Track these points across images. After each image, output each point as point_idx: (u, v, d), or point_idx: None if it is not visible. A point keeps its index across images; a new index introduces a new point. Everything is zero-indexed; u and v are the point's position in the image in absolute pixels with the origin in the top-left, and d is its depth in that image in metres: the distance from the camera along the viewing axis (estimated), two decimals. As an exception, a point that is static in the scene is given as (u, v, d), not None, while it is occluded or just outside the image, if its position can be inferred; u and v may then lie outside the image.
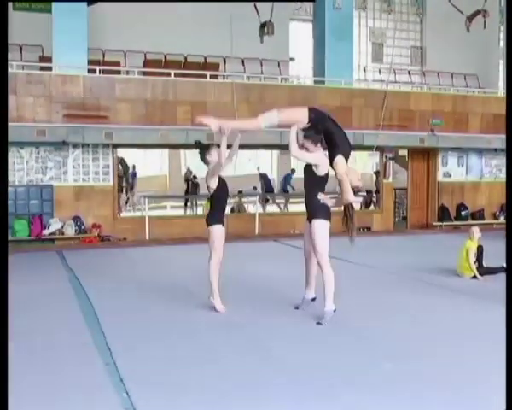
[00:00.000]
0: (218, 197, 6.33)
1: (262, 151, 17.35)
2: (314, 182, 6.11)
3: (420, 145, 15.69)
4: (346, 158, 5.99)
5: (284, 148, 14.58)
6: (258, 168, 19.32)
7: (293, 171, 18.45)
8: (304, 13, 19.04)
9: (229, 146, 6.24)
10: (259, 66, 17.34)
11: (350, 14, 15.65)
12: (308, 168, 6.17)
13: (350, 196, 5.91)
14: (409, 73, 19.94)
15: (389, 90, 15.38)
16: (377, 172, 17.10)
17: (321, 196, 6.04)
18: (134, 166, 19.38)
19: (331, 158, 5.96)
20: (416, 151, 16.54)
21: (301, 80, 17.02)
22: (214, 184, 6.23)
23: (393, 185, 16.54)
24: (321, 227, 6.04)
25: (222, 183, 6.30)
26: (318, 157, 6.03)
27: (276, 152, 20.15)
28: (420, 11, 20.60)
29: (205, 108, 13.36)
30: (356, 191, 6.08)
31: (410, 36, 20.62)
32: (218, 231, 6.29)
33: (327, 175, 6.12)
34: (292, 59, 18.22)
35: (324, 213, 6.09)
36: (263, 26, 15.69)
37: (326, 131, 5.98)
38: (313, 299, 6.45)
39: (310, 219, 6.17)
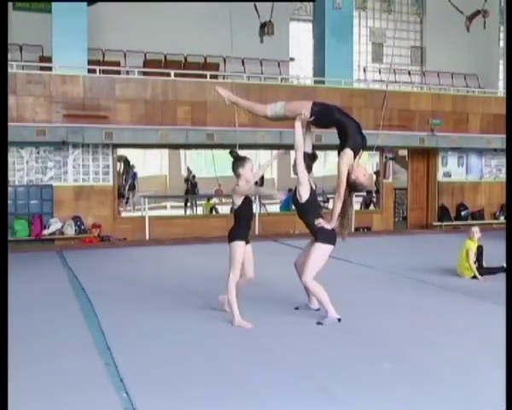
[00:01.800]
0: (243, 214, 6.02)
1: (262, 151, 17.32)
2: (303, 209, 5.96)
3: (420, 145, 15.69)
4: (356, 152, 5.78)
5: (284, 148, 14.75)
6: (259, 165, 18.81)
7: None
8: (304, 13, 19.15)
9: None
10: (259, 66, 17.42)
11: (350, 14, 15.67)
12: (294, 196, 6.05)
13: (335, 213, 5.75)
14: (409, 73, 20.00)
15: (389, 91, 15.39)
16: (377, 172, 17.09)
17: (319, 222, 5.84)
18: (133, 166, 19.40)
19: (339, 150, 5.78)
20: (416, 151, 16.55)
21: (301, 80, 17.02)
22: (239, 201, 5.99)
23: (393, 185, 16.53)
24: (321, 251, 5.86)
25: (247, 200, 6.03)
26: (307, 183, 5.93)
27: (276, 152, 20.05)
28: (420, 11, 20.67)
29: (205, 108, 13.49)
30: (361, 190, 5.97)
31: (410, 36, 20.67)
32: (239, 247, 5.91)
33: (310, 201, 5.94)
34: (292, 59, 18.24)
35: (328, 235, 5.87)
36: (263, 25, 15.77)
37: (337, 123, 5.84)
38: (317, 309, 6.33)
39: (314, 237, 6.00)
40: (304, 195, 5.90)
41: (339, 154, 5.72)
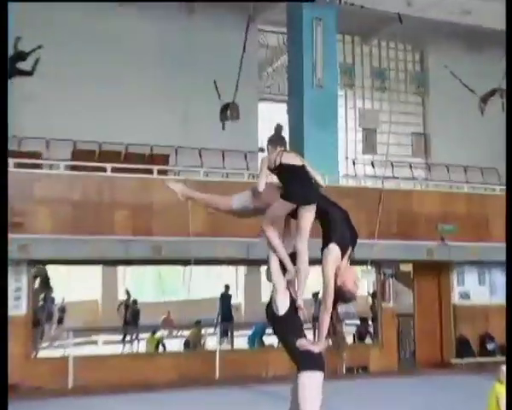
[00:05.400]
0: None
1: (224, 268, 17.43)
2: (281, 325, 5.90)
3: (427, 258, 15.83)
4: (344, 249, 5.74)
5: (252, 263, 14.99)
6: (227, 287, 18.15)
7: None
8: (276, 91, 19.70)
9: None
10: (221, 158, 17.55)
11: (334, 93, 16.09)
12: (269, 308, 5.97)
13: (322, 330, 5.68)
14: (410, 167, 20.34)
15: (386, 189, 15.60)
16: (373, 294, 17.25)
17: (301, 344, 5.73)
18: (52, 289, 18.93)
19: (322, 247, 5.76)
20: (422, 266, 16.68)
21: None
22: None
23: (395, 311, 16.52)
24: (309, 384, 5.68)
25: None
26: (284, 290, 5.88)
27: (242, 269, 20.09)
28: (421, 90, 21.39)
29: (150, 212, 13.75)
30: (348, 300, 5.84)
31: (410, 120, 21.28)
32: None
33: (289, 315, 5.86)
34: (261, 149, 17.95)
35: (313, 360, 5.74)
36: (225, 108, 15.83)
37: (318, 211, 5.86)
38: None
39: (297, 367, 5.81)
40: (281, 306, 5.83)
41: (322, 252, 5.71)
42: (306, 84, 15.72)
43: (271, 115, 19.07)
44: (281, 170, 5.75)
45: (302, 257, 5.73)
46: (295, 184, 5.72)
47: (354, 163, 19.93)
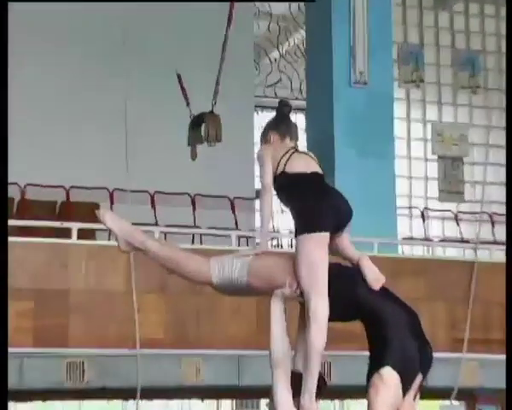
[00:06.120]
0: None
1: (197, 403, 15.04)
2: None
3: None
4: (408, 379, 5.18)
5: (246, 394, 13.41)
6: None
7: None
8: (286, 92, 16.46)
9: None
10: (189, 208, 14.47)
11: (387, 95, 12.54)
12: None
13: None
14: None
15: (481, 262, 11.94)
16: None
17: None
18: None
19: (369, 371, 5.16)
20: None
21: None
22: None
23: None
24: None
25: None
26: None
27: (227, 405, 16.86)
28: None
29: (66, 306, 10.39)
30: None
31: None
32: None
33: None
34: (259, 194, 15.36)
35: None
36: (196, 123, 12.55)
37: (360, 307, 5.28)
38: None
39: None
40: None
41: (368, 380, 5.05)
42: (339, 81, 12.09)
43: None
44: (289, 181, 5.22)
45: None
46: (318, 201, 5.20)
47: (424, 217, 15.71)
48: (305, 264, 5.05)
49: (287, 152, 5.17)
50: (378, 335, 5.10)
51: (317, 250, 5.02)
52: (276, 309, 5.17)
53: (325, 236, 4.99)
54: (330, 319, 5.29)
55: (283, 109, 5.66)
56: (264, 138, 5.37)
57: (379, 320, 5.13)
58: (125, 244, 5.34)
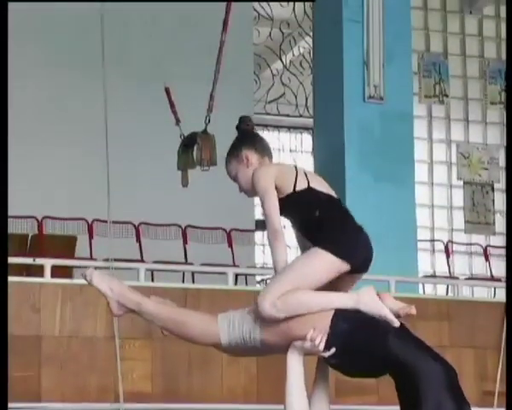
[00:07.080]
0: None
1: None
2: None
3: None
4: None
5: None
6: None
7: None
8: (290, 109, 16.38)
9: None
10: (180, 241, 13.75)
11: (407, 113, 12.02)
12: None
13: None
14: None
15: None
16: None
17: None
18: None
19: None
20: None
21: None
22: None
23: None
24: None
25: None
26: None
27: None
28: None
29: (37, 359, 9.21)
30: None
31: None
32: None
33: None
34: (259, 224, 14.78)
35: None
36: (188, 144, 12.00)
37: (389, 363, 4.60)
38: None
39: None
40: None
41: None
42: (351, 96, 11.59)
43: (280, 156, 16.28)
44: (317, 199, 4.70)
45: None
46: (356, 231, 4.70)
47: (448, 251, 14.63)
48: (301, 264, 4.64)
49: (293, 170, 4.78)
50: (409, 393, 4.54)
51: (323, 267, 4.49)
52: (295, 362, 4.64)
53: (345, 267, 4.48)
54: (353, 375, 4.84)
55: (249, 124, 5.00)
56: (237, 160, 4.78)
57: (411, 376, 4.56)
58: (118, 307, 4.80)
